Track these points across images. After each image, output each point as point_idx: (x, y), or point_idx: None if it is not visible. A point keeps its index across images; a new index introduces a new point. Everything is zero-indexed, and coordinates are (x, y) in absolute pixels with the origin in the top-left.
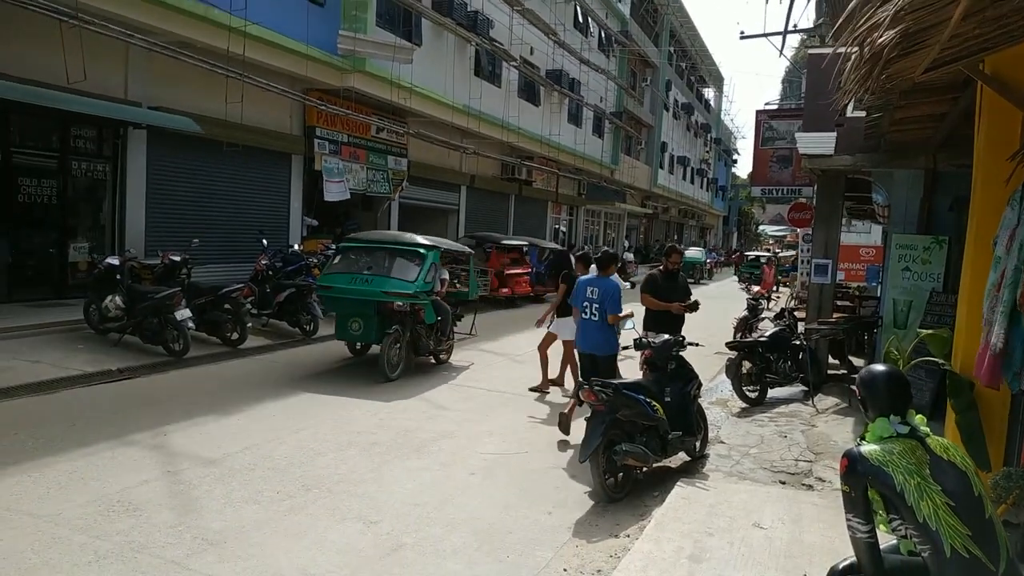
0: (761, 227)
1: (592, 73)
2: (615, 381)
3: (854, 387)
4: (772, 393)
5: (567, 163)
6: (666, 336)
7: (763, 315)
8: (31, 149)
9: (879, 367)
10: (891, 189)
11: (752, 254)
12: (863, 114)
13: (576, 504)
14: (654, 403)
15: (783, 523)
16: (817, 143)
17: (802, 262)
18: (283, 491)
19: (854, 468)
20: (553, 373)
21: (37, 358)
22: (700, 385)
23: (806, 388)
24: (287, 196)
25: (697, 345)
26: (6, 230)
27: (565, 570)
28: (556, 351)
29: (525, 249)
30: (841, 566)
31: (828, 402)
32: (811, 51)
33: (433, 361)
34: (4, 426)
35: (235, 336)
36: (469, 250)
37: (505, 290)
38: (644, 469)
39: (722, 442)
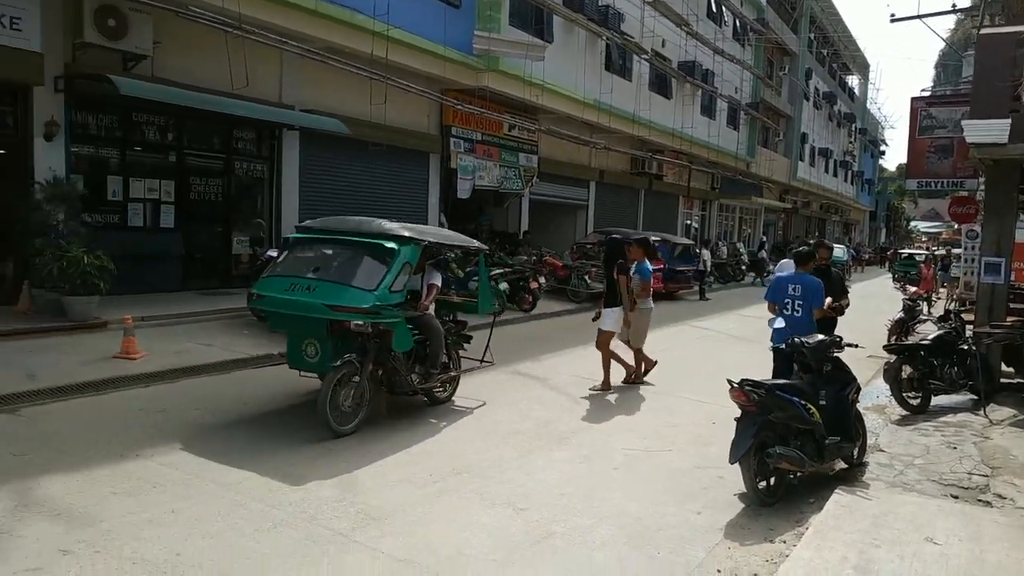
0: (913, 223)
1: (726, 63)
2: (768, 381)
3: None
4: (936, 401)
5: (700, 156)
6: (821, 336)
7: (920, 318)
8: (200, 151)
9: None
10: None
11: (906, 251)
12: None
13: (726, 505)
14: (809, 406)
15: (960, 540)
16: (987, 131)
17: (964, 260)
18: (435, 474)
19: None
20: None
21: (209, 341)
22: (859, 389)
23: (976, 397)
24: (425, 193)
25: (856, 347)
26: (181, 225)
27: (719, 571)
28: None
29: (657, 245)
30: None
31: (1003, 413)
32: (983, 31)
33: (426, 400)
34: (187, 403)
35: None
36: (479, 245)
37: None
38: (799, 474)
39: (882, 450)
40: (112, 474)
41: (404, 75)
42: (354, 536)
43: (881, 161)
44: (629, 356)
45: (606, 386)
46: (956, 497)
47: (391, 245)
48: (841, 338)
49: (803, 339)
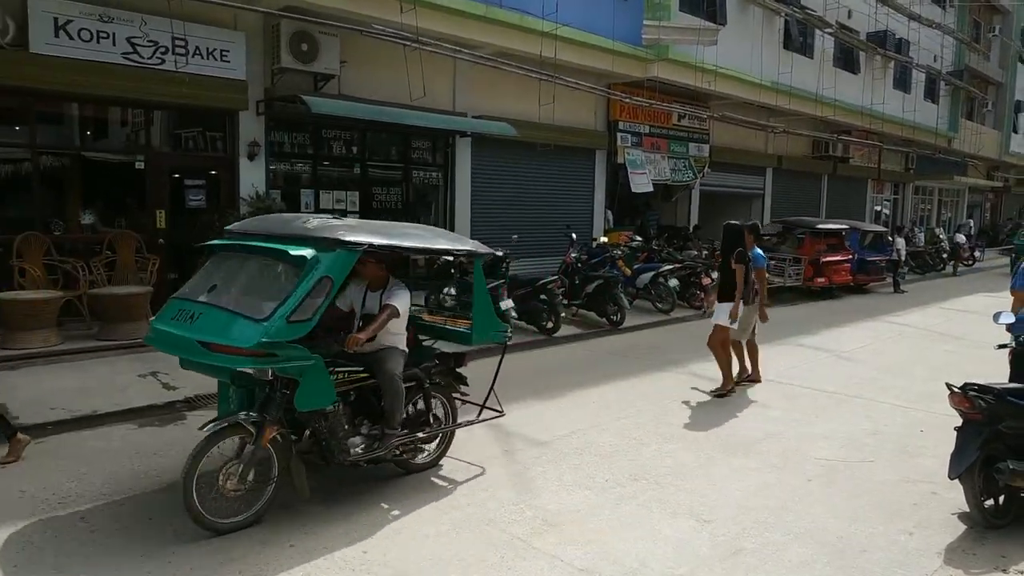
0: None
1: (924, 30)
2: (998, 385)
3: None
4: None
5: (892, 134)
6: None
7: None
8: (381, 162)
9: None
10: None
11: None
12: None
13: (942, 526)
14: None
15: None
16: None
17: None
18: (612, 479)
19: None
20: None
21: None
22: None
23: None
24: (591, 190)
25: None
26: None
27: None
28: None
29: (844, 233)
30: None
31: None
32: None
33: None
34: None
35: (550, 325)
36: (474, 249)
37: (822, 280)
38: None
39: None
40: None
41: (571, 73)
42: (533, 543)
43: None
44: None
45: (727, 388)
46: None
47: (301, 252)
48: None
49: None
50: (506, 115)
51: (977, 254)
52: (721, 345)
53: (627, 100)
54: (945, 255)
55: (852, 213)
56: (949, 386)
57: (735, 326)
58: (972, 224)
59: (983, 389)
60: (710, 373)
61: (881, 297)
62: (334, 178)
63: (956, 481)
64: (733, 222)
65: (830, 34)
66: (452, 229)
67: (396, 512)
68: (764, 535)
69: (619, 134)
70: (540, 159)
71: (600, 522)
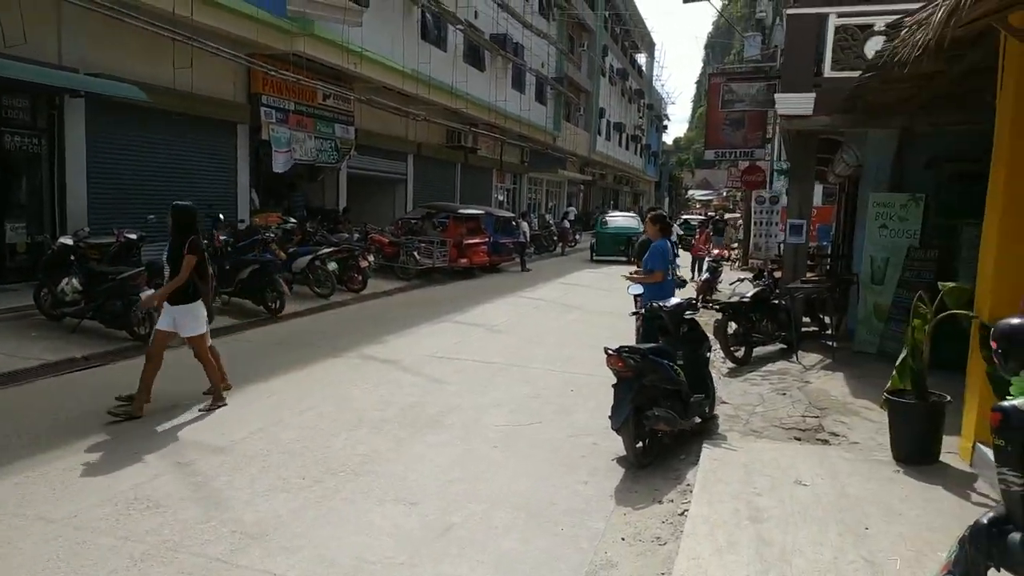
0: (690, 191)
1: (534, 38)
2: (642, 346)
3: (830, 343)
4: (755, 352)
5: (512, 130)
6: (678, 299)
7: (721, 278)
8: None
9: (1016, 320)
10: (863, 149)
11: (683, 217)
12: (840, 75)
13: (608, 472)
14: (676, 367)
15: (822, 479)
16: (795, 104)
17: (755, 224)
18: (308, 476)
19: (1009, 423)
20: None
21: None
22: (710, 347)
23: (785, 346)
24: (234, 168)
25: (705, 307)
26: None
27: (623, 539)
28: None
29: (481, 219)
30: (986, 519)
31: (812, 359)
32: (789, 11)
33: None
34: None
35: None
36: None
37: (464, 260)
38: (671, 432)
39: (725, 402)
40: None
41: (209, 37)
42: (236, 560)
43: (664, 135)
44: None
45: (222, 400)
46: (799, 439)
47: None
48: (696, 300)
49: (661, 303)
50: (134, 77)
51: (577, 237)
52: (207, 353)
53: (271, 72)
54: (556, 238)
55: (481, 200)
56: (606, 349)
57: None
58: (575, 211)
59: (632, 350)
60: (381, 355)
61: (512, 275)
62: None
63: (612, 431)
64: (182, 203)
65: (461, 30)
66: (63, 207)
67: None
68: (467, 507)
69: (264, 108)
70: (176, 131)
71: (306, 525)
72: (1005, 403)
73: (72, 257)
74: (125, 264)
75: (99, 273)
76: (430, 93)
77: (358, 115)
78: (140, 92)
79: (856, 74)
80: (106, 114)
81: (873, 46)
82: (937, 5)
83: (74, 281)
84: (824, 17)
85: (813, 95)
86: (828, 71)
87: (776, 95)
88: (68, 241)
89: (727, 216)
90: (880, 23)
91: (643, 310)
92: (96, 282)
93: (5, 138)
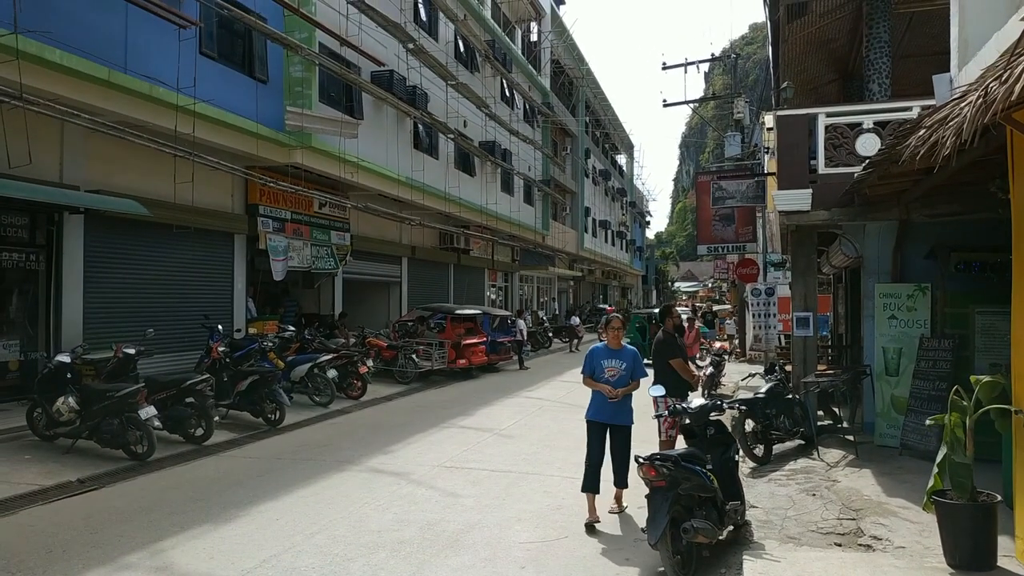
0: (676, 284)
1: (520, 143)
2: (672, 453)
3: (849, 437)
4: (774, 450)
5: (503, 231)
6: (701, 400)
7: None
8: None
9: None
10: (862, 241)
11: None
12: (834, 171)
13: None
14: (708, 473)
15: None
16: (794, 200)
17: (754, 316)
18: None
19: None
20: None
21: None
22: (739, 450)
23: (802, 442)
24: (231, 277)
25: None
26: None
27: None
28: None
29: (478, 318)
30: None
31: (834, 455)
32: (779, 113)
33: None
34: None
35: (200, 432)
36: None
37: (462, 361)
38: (710, 544)
39: (754, 506)
40: None
41: (206, 151)
42: None
43: (647, 231)
44: None
45: None
46: (839, 545)
47: None
48: (722, 400)
49: (684, 404)
50: (134, 192)
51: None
52: None
53: (270, 184)
54: (551, 334)
55: (474, 299)
56: (636, 458)
57: None
58: (576, 306)
59: (664, 458)
60: (390, 467)
61: (511, 374)
62: None
63: (644, 544)
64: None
65: (452, 139)
66: (58, 322)
67: None
68: None
69: (260, 219)
70: (174, 243)
71: None
72: None
73: (68, 375)
74: (123, 380)
75: (96, 391)
76: (424, 199)
77: (354, 221)
78: (140, 207)
79: (850, 169)
80: (105, 229)
81: (863, 143)
82: (955, 105)
83: (70, 400)
84: (814, 117)
85: (810, 191)
86: (822, 168)
87: (774, 192)
88: (65, 359)
89: (716, 308)
90: (868, 121)
91: (666, 412)
92: (93, 400)
93: (3, 255)
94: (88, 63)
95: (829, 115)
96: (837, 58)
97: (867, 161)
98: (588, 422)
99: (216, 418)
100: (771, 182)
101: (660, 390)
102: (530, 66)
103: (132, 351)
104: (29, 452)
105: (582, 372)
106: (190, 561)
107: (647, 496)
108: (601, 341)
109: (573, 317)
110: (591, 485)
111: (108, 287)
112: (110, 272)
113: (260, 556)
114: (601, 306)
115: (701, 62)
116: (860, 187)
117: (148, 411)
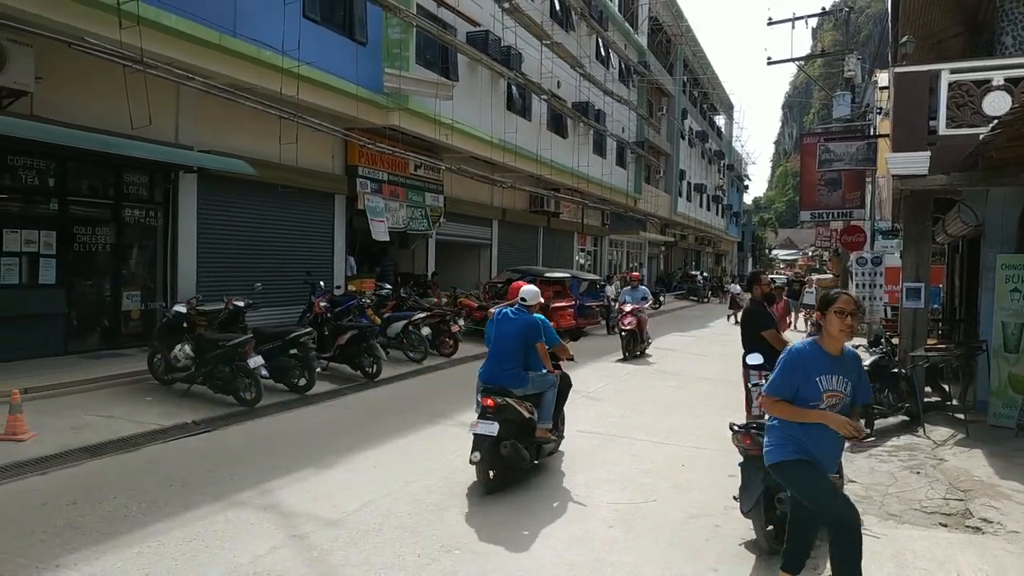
0: (773, 251)
1: (615, 104)
2: (768, 422)
3: (959, 415)
4: (875, 425)
5: (593, 194)
6: None
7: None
8: (86, 197)
9: None
10: (984, 208)
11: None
12: (956, 132)
13: (736, 558)
14: None
15: None
16: (910, 163)
17: (858, 286)
18: (424, 554)
19: None
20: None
21: (110, 413)
22: None
23: (907, 418)
24: (331, 236)
25: None
26: (63, 280)
27: None
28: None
29: (567, 282)
30: None
31: (942, 433)
32: (897, 70)
33: None
34: (102, 488)
35: (303, 382)
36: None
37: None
38: None
39: (853, 480)
40: None
41: (311, 114)
42: None
43: (745, 195)
44: None
45: None
46: (945, 525)
47: None
48: None
49: None
50: (241, 152)
51: (662, 299)
52: None
53: (368, 146)
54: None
55: (563, 262)
56: (731, 426)
57: None
58: (675, 275)
59: (760, 427)
60: None
61: (598, 339)
62: (20, 214)
63: (734, 512)
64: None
65: (545, 100)
66: (174, 276)
67: None
68: None
69: (359, 180)
70: (279, 202)
71: None
72: None
73: (184, 324)
74: (233, 331)
75: (209, 340)
76: (516, 161)
77: (447, 184)
78: (248, 167)
79: (974, 131)
80: (216, 188)
81: (992, 101)
82: None
83: (186, 348)
84: (936, 74)
85: (928, 154)
86: (943, 129)
87: (888, 155)
88: (182, 309)
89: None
90: (998, 78)
91: (763, 384)
92: (206, 349)
93: (125, 212)
94: (201, 28)
95: (954, 71)
96: (965, 8)
97: (996, 121)
98: (794, 462)
99: (318, 369)
100: (883, 144)
101: (758, 358)
102: (627, 24)
103: (241, 304)
104: (150, 395)
105: (766, 392)
106: (295, 502)
107: (740, 464)
108: (809, 336)
109: (733, 284)
110: (794, 565)
111: (218, 243)
112: (220, 229)
113: (359, 500)
114: (693, 272)
115: (810, 16)
116: (986, 149)
117: (256, 360)
